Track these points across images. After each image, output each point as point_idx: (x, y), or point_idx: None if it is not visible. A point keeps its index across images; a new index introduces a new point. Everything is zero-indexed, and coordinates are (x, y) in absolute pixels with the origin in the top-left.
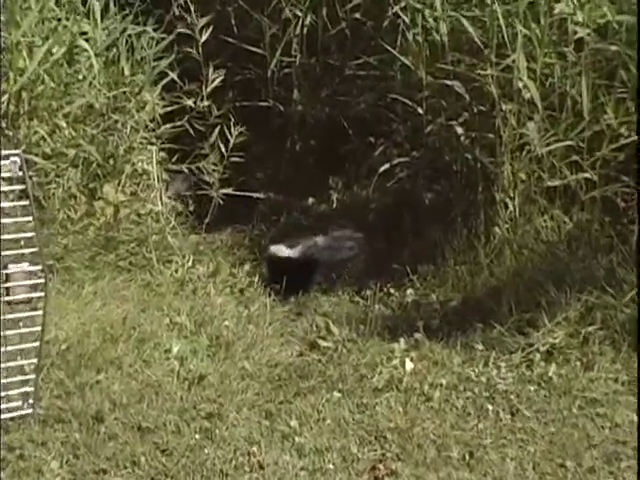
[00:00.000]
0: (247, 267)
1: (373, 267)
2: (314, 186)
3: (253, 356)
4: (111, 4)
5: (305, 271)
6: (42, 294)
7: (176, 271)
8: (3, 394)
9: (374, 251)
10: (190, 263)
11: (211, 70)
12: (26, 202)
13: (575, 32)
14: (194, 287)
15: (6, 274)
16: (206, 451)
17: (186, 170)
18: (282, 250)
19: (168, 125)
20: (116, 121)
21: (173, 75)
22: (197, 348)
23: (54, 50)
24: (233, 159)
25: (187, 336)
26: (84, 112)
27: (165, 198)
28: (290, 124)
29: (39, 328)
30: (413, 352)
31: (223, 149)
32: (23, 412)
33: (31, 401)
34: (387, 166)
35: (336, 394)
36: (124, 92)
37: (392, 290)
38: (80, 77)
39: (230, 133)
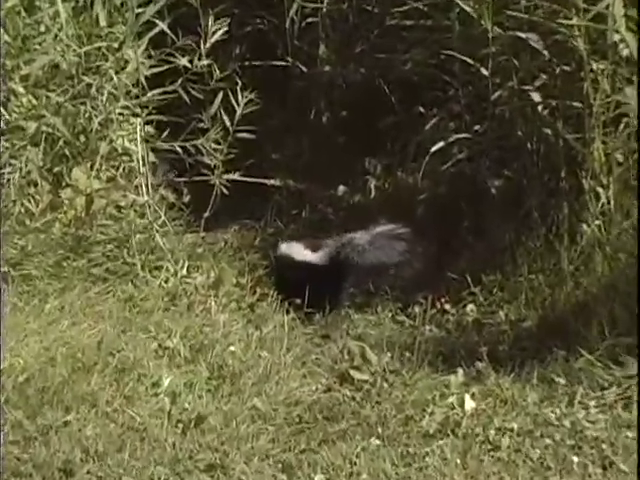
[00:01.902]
0: (258, 275)
1: (423, 276)
2: (346, 170)
3: (267, 391)
4: None
5: (333, 280)
6: None
7: (166, 281)
8: None
9: (424, 255)
10: (185, 270)
11: (212, 19)
12: None
13: None
14: (189, 302)
15: None
16: None
17: (180, 149)
18: (300, 252)
19: (156, 91)
20: (89, 85)
21: (163, 26)
22: (194, 381)
23: None
24: (240, 135)
25: (181, 365)
26: (48, 74)
27: (152, 186)
28: (315, 89)
29: None
30: (474, 387)
31: (228, 122)
32: None
33: None
34: (441, 144)
35: (374, 441)
36: (99, 48)
37: (448, 306)
38: (42, 29)
39: (237, 102)
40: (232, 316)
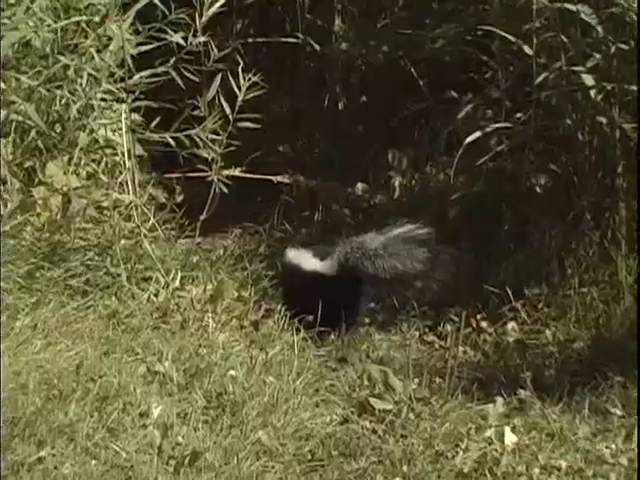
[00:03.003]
0: (263, 288)
1: (456, 288)
2: (365, 165)
3: (273, 423)
4: None
5: (345, 293)
6: None
7: (156, 294)
8: None
9: (457, 264)
10: (177, 282)
11: None
12: None
13: None
14: (183, 318)
15: None
16: None
17: (172, 141)
18: (309, 260)
19: (145, 73)
20: (66, 67)
21: None
22: (188, 411)
23: None
24: (242, 124)
25: (173, 393)
26: (18, 53)
27: (140, 183)
28: (329, 71)
29: None
30: (516, 418)
31: (227, 109)
32: None
33: None
34: (478, 135)
35: None
36: (78, 23)
37: (484, 324)
38: (12, 0)
39: (238, 85)
40: (233, 335)
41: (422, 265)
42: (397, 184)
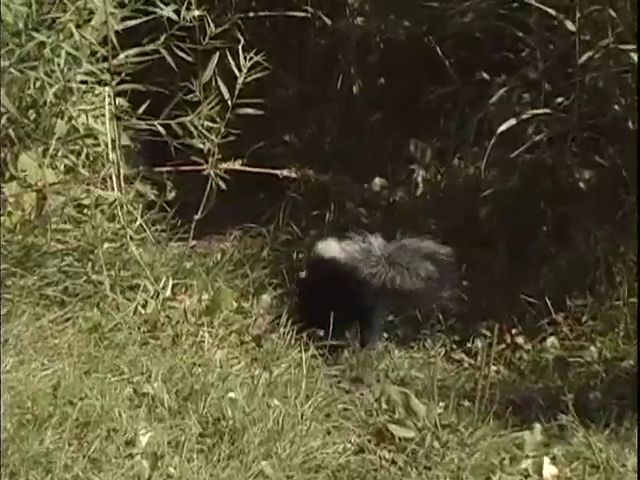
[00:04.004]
0: (267, 298)
1: (487, 298)
2: (384, 157)
3: (278, 453)
4: None
5: (365, 304)
6: None
7: (144, 305)
8: None
9: (489, 271)
10: (168, 291)
11: None
12: None
13: None
14: (175, 333)
15: None
16: None
17: (162, 129)
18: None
19: (131, 51)
20: (41, 44)
21: None
22: (181, 439)
23: None
24: (243, 111)
25: (164, 418)
26: None
27: (125, 178)
28: (342, 50)
29: None
30: (556, 447)
31: (226, 93)
32: None
33: None
34: (512, 123)
35: None
36: None
37: (521, 339)
38: None
39: (238, 66)
40: (232, 352)
41: (451, 274)
42: (420, 179)
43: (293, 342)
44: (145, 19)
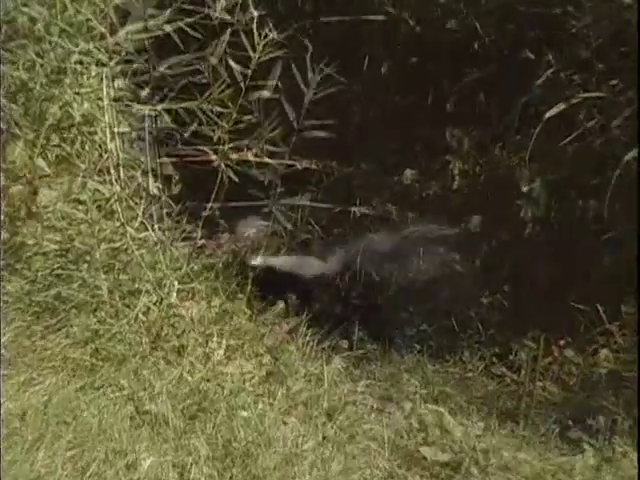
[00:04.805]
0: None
1: (529, 305)
2: (415, 147)
3: (296, 478)
4: None
5: (389, 307)
6: None
7: (146, 312)
8: None
9: (533, 275)
10: (173, 297)
11: None
12: None
13: None
14: (181, 343)
15: None
16: None
17: (166, 116)
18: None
19: (131, 27)
20: (32, 20)
21: None
22: (187, 462)
23: None
24: (257, 94)
25: (168, 439)
26: None
27: (125, 170)
28: (368, 25)
29: None
30: (610, 473)
31: (238, 75)
32: None
33: None
34: (561, 107)
35: None
36: None
37: (569, 352)
38: None
39: (252, 44)
40: (244, 366)
41: (437, 271)
42: (456, 171)
43: (313, 354)
44: None
